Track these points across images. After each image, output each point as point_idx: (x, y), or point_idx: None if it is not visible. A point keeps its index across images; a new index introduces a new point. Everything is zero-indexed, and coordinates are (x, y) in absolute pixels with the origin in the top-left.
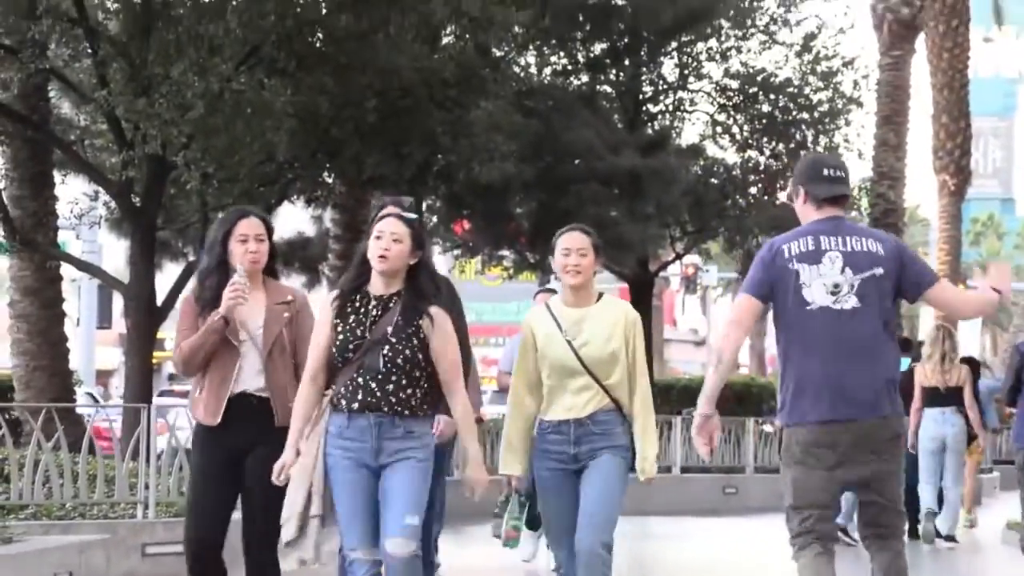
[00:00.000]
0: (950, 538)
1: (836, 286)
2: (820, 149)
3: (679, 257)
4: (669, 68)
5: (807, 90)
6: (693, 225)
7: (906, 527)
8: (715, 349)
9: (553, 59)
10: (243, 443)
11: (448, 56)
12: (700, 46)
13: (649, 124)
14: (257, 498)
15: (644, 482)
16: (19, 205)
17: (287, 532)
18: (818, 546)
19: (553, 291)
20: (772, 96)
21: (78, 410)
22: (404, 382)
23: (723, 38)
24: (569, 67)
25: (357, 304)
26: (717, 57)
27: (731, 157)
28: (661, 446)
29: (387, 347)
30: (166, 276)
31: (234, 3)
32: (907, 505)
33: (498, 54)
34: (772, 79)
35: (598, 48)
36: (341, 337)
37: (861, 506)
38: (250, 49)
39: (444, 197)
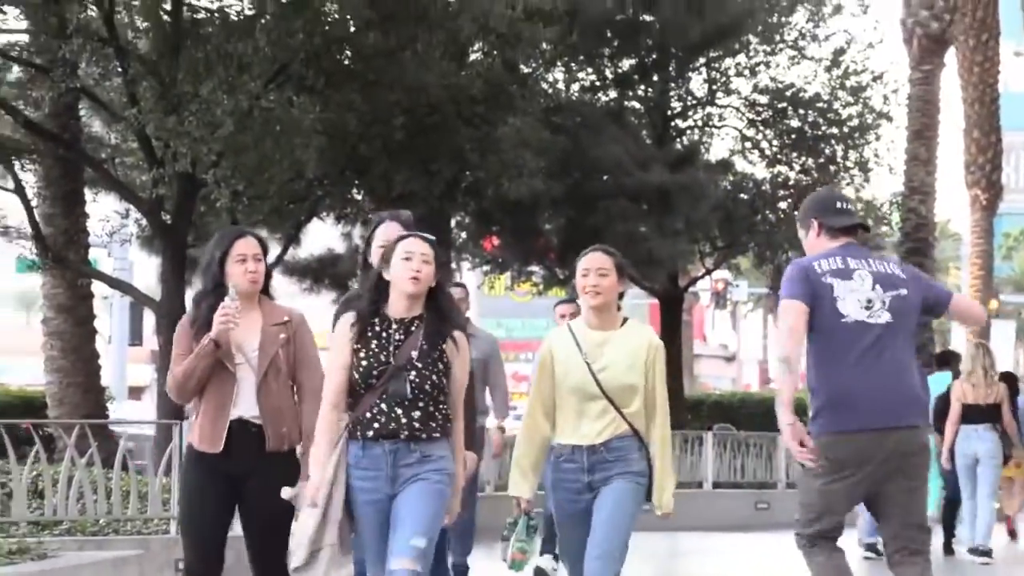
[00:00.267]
0: (984, 552)
1: (869, 301)
2: (850, 164)
3: (709, 272)
4: (697, 84)
5: (836, 105)
6: (723, 240)
7: (937, 542)
8: (782, 357)
9: (581, 75)
10: (239, 471)
11: (476, 73)
12: (728, 61)
13: (678, 139)
14: (257, 537)
15: (661, 516)
16: (51, 223)
17: (297, 558)
18: (832, 544)
19: (574, 302)
20: (801, 111)
21: (110, 426)
22: (431, 408)
23: (752, 53)
24: (597, 83)
25: (378, 328)
26: (746, 72)
27: (760, 172)
28: (692, 462)
29: (413, 372)
30: (193, 291)
31: (263, 21)
32: (945, 521)
33: (526, 70)
34: (801, 94)
35: (626, 64)
36: (365, 363)
37: (884, 520)
38: (279, 67)
39: (473, 213)
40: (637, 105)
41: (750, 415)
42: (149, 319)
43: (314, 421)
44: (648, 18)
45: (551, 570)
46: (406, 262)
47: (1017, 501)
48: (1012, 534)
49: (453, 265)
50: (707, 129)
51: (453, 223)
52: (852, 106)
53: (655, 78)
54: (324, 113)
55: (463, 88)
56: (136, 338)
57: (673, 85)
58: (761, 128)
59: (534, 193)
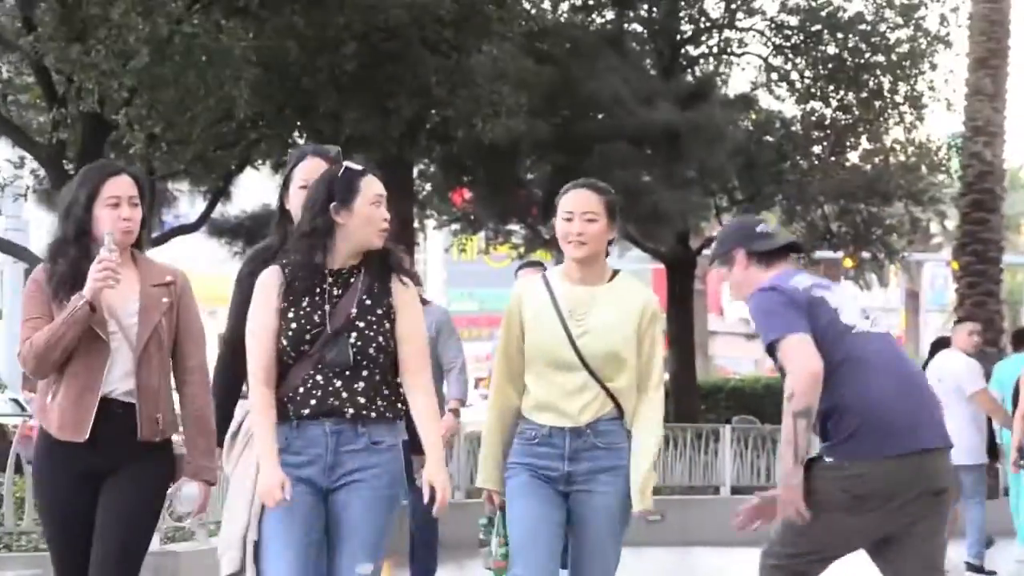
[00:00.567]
0: None
1: (864, 310)
2: (899, 99)
3: None
4: (713, 2)
5: (883, 27)
6: (743, 192)
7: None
8: (800, 411)
9: None
10: (103, 464)
11: None
12: None
13: (689, 70)
14: (111, 542)
15: (636, 515)
16: None
17: (228, 564)
18: None
19: (540, 264)
20: (840, 35)
21: (1, 420)
22: (377, 378)
23: None
24: (591, 1)
25: (308, 282)
26: None
27: (790, 109)
28: (706, 462)
29: (354, 334)
30: None
31: None
32: None
33: None
34: (840, 14)
35: None
36: (295, 326)
37: (891, 566)
38: None
39: (440, 160)
40: (639, 28)
41: (776, 405)
42: None
43: (203, 404)
44: None
45: None
46: (375, 207)
47: None
48: None
49: (416, 224)
50: (724, 57)
51: (415, 172)
52: (902, 28)
53: None
54: (258, 40)
55: (428, 8)
56: None
57: (683, 4)
58: (791, 56)
59: (513, 136)
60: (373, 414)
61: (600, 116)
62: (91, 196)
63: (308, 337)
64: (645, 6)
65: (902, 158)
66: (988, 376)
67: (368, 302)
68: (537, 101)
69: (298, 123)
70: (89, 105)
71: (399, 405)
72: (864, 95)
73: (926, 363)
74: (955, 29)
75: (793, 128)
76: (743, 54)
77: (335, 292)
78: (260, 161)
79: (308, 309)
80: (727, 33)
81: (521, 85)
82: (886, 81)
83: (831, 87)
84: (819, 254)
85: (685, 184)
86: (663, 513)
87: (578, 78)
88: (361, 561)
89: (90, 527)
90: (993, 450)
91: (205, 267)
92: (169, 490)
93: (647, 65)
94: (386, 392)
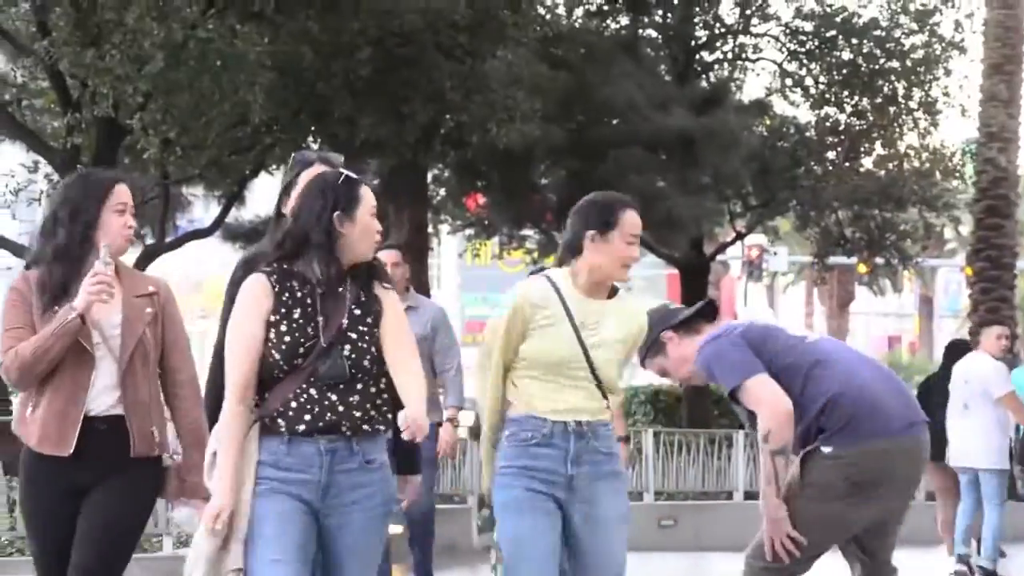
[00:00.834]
0: None
1: (804, 329)
2: (913, 104)
3: (741, 237)
4: (728, 8)
5: (897, 33)
6: (758, 198)
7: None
8: (778, 449)
9: None
10: (87, 479)
11: None
12: None
13: (704, 76)
14: (88, 551)
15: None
16: None
17: None
18: None
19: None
20: (854, 41)
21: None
22: (372, 390)
23: None
24: (605, 7)
25: (298, 292)
26: None
27: (804, 115)
28: (719, 467)
29: (347, 347)
30: None
31: None
32: None
33: None
34: (854, 20)
35: None
36: (288, 339)
37: (869, 554)
38: None
39: (454, 166)
40: (654, 34)
41: None
42: None
43: (196, 418)
44: None
45: None
46: (372, 218)
47: None
48: None
49: (430, 229)
50: (739, 63)
51: (430, 177)
52: (917, 34)
53: (676, 0)
54: (273, 45)
55: (443, 13)
56: None
57: (698, 9)
58: (805, 62)
59: (528, 141)
60: (367, 428)
61: (615, 122)
62: (100, 202)
63: (302, 350)
64: (660, 12)
65: (916, 164)
66: None
67: (358, 312)
68: (552, 106)
69: (313, 128)
70: (103, 110)
71: (389, 415)
72: (879, 101)
73: (942, 366)
74: (970, 35)
75: (807, 134)
76: (758, 60)
77: (326, 303)
78: (275, 166)
79: (301, 321)
80: (742, 39)
81: (536, 90)
82: (901, 87)
83: (845, 93)
84: (833, 260)
85: (699, 190)
86: (676, 518)
87: (593, 84)
88: None
89: (71, 540)
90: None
91: (219, 272)
92: (170, 515)
93: (662, 71)
94: (378, 403)
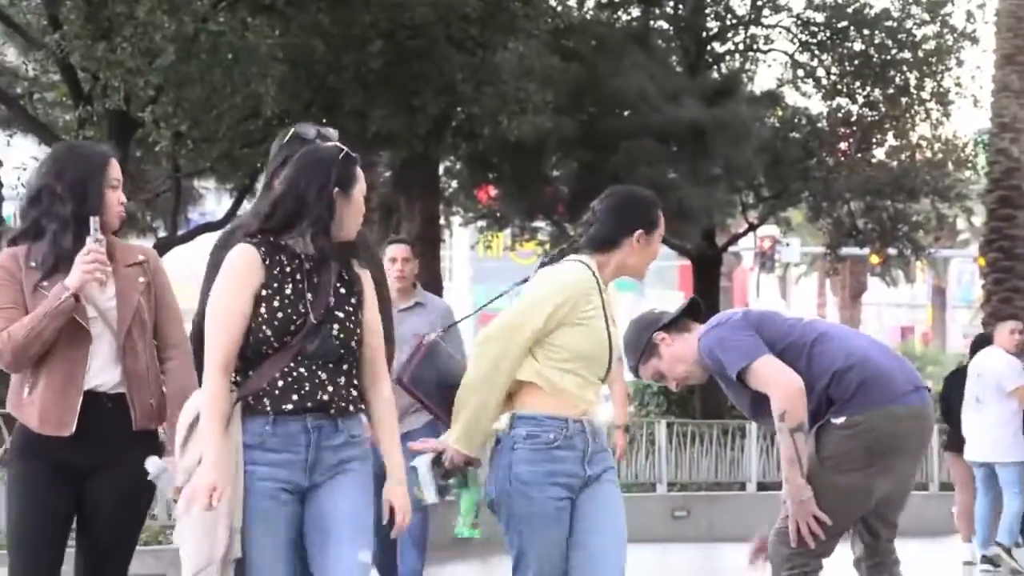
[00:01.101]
0: None
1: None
2: (925, 95)
3: (753, 228)
4: None
5: (909, 24)
6: (770, 189)
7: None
8: (796, 426)
9: None
10: (88, 460)
11: None
12: None
13: (715, 67)
14: (103, 550)
15: (617, 452)
16: None
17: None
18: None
19: None
20: (866, 31)
21: None
22: (354, 371)
23: None
24: None
25: (287, 266)
26: None
27: (816, 106)
28: (732, 458)
29: (335, 325)
30: None
31: None
32: None
33: None
34: (866, 11)
35: None
36: (280, 315)
37: (880, 523)
38: None
39: (465, 158)
40: (665, 25)
41: None
42: None
43: (187, 383)
44: None
45: None
46: (362, 198)
47: None
48: None
49: (442, 221)
50: (750, 54)
51: (441, 169)
52: (928, 25)
53: None
54: (285, 37)
55: (454, 5)
56: None
57: (709, 0)
58: (817, 52)
59: (539, 133)
60: (351, 407)
61: (626, 113)
62: (102, 176)
63: (293, 327)
64: (671, 3)
65: (928, 154)
66: None
67: (343, 291)
68: (563, 98)
69: (324, 121)
70: (115, 103)
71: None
72: (891, 91)
73: (969, 360)
74: (982, 25)
75: (819, 125)
76: (769, 51)
77: (314, 279)
78: None
79: (292, 297)
80: (753, 30)
81: (547, 82)
82: (912, 77)
83: (857, 84)
84: (845, 251)
85: (711, 181)
86: (689, 509)
87: (604, 75)
88: (362, 547)
89: (61, 530)
90: None
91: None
92: (154, 463)
93: (673, 62)
94: (356, 384)
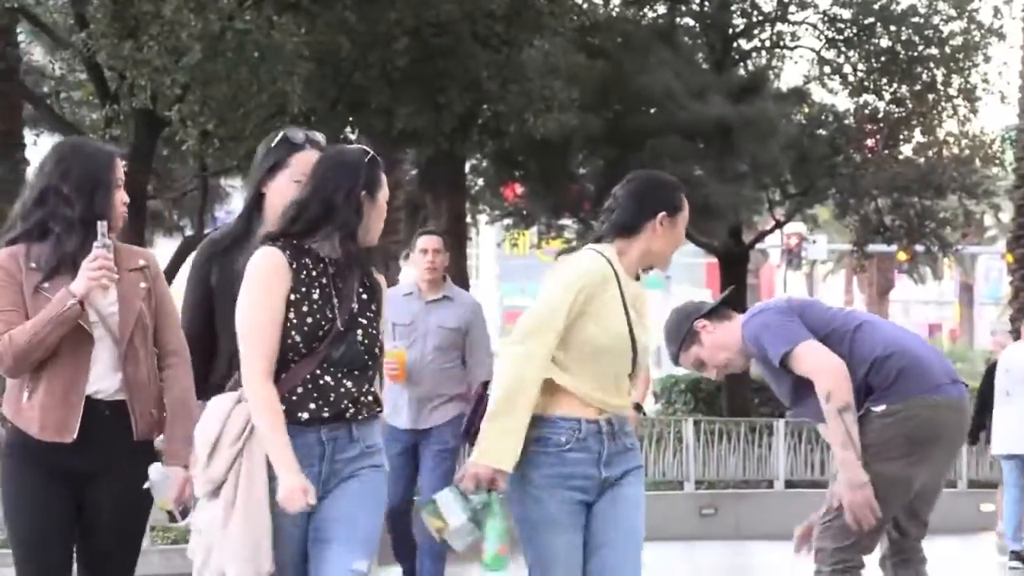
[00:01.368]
0: None
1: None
2: (953, 91)
3: (779, 225)
4: None
5: (936, 20)
6: (796, 186)
7: None
8: (843, 406)
9: None
10: (86, 467)
11: None
12: None
13: (741, 64)
14: (103, 560)
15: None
16: None
17: None
18: (861, 571)
19: None
20: (893, 28)
21: None
22: (374, 379)
23: None
24: None
25: (312, 271)
26: None
27: (843, 103)
28: (760, 455)
29: (359, 332)
30: (159, 253)
31: None
32: None
33: None
34: (893, 7)
35: None
36: (310, 320)
37: (910, 519)
38: None
39: (491, 155)
40: (691, 22)
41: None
42: None
43: (186, 388)
44: None
45: None
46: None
47: None
48: None
49: (468, 219)
50: (777, 51)
51: (467, 167)
52: (955, 21)
53: None
54: (311, 35)
55: (479, 2)
56: None
57: None
58: (843, 49)
59: (565, 130)
60: (369, 414)
61: (652, 110)
62: (110, 175)
63: (321, 333)
64: (697, 0)
65: (956, 151)
66: None
67: (364, 296)
68: (589, 95)
69: (350, 119)
70: (141, 102)
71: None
72: (917, 88)
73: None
74: (1009, 21)
75: (846, 121)
76: (796, 48)
77: (338, 284)
78: None
79: (320, 302)
80: (779, 27)
81: (573, 79)
82: (939, 74)
83: (884, 80)
84: (872, 248)
85: (737, 178)
86: (717, 507)
87: (630, 72)
88: (359, 557)
89: (67, 530)
90: None
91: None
92: (157, 470)
93: (699, 59)
94: (374, 389)
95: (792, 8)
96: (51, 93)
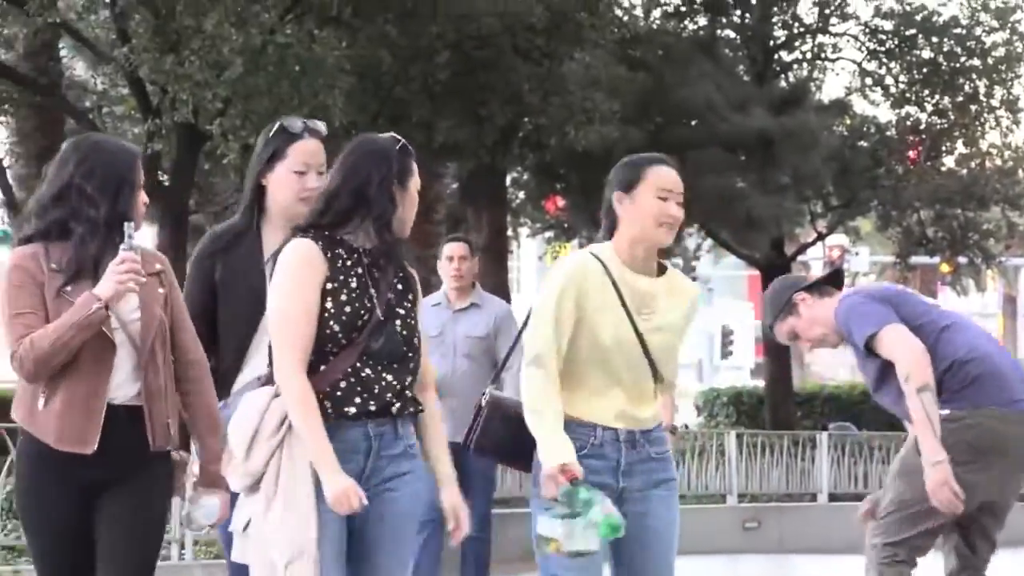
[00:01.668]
0: None
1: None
2: (995, 103)
3: (821, 237)
4: (807, 7)
5: (978, 31)
6: (838, 198)
7: None
8: (922, 386)
9: None
10: (105, 475)
11: None
12: None
13: (782, 76)
14: (126, 560)
15: (674, 437)
16: (25, 185)
17: None
18: (909, 570)
19: None
20: (935, 39)
21: None
22: (416, 372)
23: None
24: (683, 8)
25: (347, 260)
26: None
27: (884, 114)
28: (803, 469)
29: (398, 322)
30: None
31: None
32: None
33: None
34: (935, 18)
35: None
36: (348, 309)
37: (980, 538)
38: None
39: (533, 168)
40: (732, 34)
41: (874, 411)
42: None
43: (211, 401)
44: None
45: None
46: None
47: None
48: None
49: (509, 232)
50: (818, 63)
51: (509, 180)
52: (997, 32)
53: (754, 1)
54: (352, 49)
55: (520, 16)
56: None
57: (776, 9)
58: (885, 61)
59: (606, 142)
60: (411, 410)
61: (693, 122)
62: (135, 175)
63: (360, 323)
64: (738, 12)
65: (998, 162)
66: None
67: (400, 287)
68: (630, 108)
69: (391, 132)
70: (183, 116)
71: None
72: (959, 99)
73: None
74: None
75: (888, 133)
76: (837, 59)
77: (374, 274)
78: None
79: (358, 291)
80: (821, 38)
81: (614, 92)
82: (982, 85)
83: (926, 92)
84: (915, 260)
85: (779, 190)
86: (760, 520)
87: (671, 84)
88: (401, 572)
89: (86, 542)
90: None
91: None
92: (187, 503)
93: (740, 71)
94: (414, 384)
95: (833, 20)
96: (93, 108)
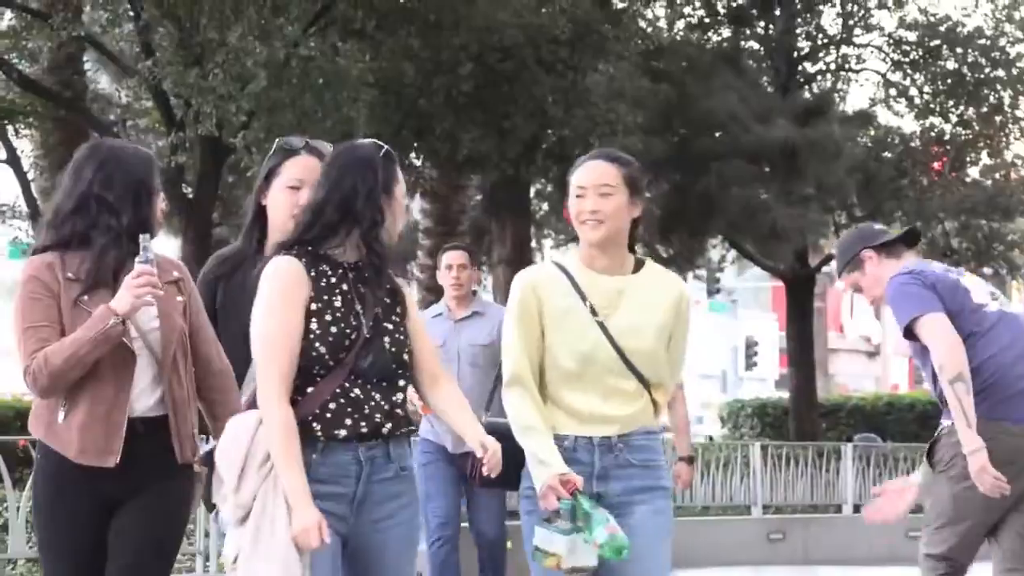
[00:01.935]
0: None
1: (993, 292)
2: (1020, 113)
3: None
4: (830, 18)
5: (1003, 42)
6: (863, 209)
7: None
8: (955, 377)
9: (687, 10)
10: (126, 489)
11: (559, 9)
12: None
13: (806, 87)
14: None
15: (680, 484)
16: (49, 198)
17: None
18: None
19: None
20: (959, 50)
21: None
22: (408, 389)
23: None
24: (707, 19)
25: (332, 277)
26: (890, 3)
27: (908, 125)
28: (828, 480)
29: (387, 339)
30: None
31: None
32: None
33: (620, 5)
34: (959, 29)
35: None
36: (334, 329)
37: (1008, 551)
38: (320, 7)
39: (556, 180)
40: (756, 45)
41: (899, 422)
42: None
43: (236, 412)
44: None
45: None
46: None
47: None
48: None
49: (533, 244)
50: (842, 74)
51: (532, 192)
52: (1022, 43)
53: (777, 12)
54: (375, 62)
55: (543, 28)
56: None
57: (800, 20)
58: (909, 72)
59: (630, 154)
60: (404, 430)
61: (717, 134)
62: (154, 183)
63: (347, 343)
64: (761, 23)
65: (1023, 173)
66: None
67: (387, 300)
68: (653, 119)
69: (415, 144)
70: (207, 129)
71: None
72: (984, 110)
73: None
74: None
75: (912, 144)
76: (861, 70)
77: (360, 290)
78: None
79: (343, 310)
80: (845, 49)
81: (637, 103)
82: (1006, 96)
83: (950, 103)
84: None
85: (803, 201)
86: (785, 532)
87: (694, 96)
88: None
89: (102, 555)
90: None
91: None
92: (214, 522)
93: (764, 82)
94: (404, 402)
95: (857, 31)
96: (117, 121)
